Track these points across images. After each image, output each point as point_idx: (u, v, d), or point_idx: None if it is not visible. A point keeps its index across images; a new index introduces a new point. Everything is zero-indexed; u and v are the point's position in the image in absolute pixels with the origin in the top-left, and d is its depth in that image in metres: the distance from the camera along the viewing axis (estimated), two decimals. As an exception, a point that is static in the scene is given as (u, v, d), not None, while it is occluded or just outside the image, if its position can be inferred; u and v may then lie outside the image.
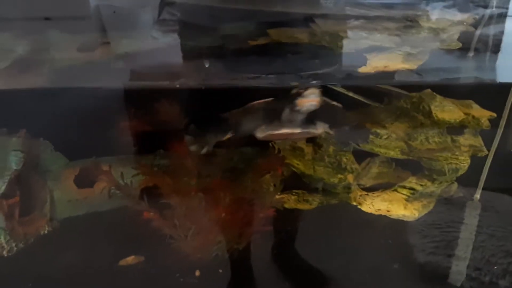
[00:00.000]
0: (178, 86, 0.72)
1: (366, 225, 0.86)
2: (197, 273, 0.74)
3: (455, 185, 0.88)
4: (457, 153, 0.81)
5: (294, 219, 0.86)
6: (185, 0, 1.03)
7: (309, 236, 0.86)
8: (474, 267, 0.85)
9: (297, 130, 0.73)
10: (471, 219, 0.81)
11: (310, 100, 0.70)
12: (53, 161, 0.82)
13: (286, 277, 0.80)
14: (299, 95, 0.70)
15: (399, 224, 0.85)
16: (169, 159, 0.75)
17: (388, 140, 0.83)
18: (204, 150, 0.77)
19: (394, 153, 0.82)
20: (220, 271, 0.75)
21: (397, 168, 0.89)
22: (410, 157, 0.82)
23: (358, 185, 0.87)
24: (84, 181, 0.81)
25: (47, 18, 0.92)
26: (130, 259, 0.75)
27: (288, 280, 0.80)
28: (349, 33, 0.90)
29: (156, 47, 0.88)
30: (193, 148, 0.77)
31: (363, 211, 0.84)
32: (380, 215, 0.84)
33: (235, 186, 0.75)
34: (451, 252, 0.86)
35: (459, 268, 0.78)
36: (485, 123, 0.83)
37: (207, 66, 0.72)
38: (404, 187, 0.86)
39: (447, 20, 0.91)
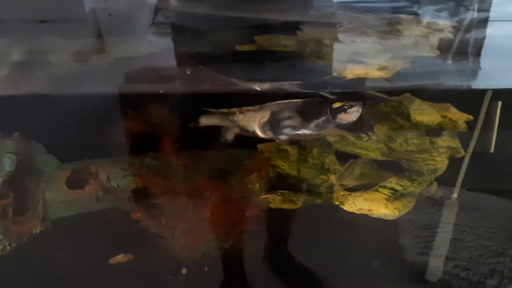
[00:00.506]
0: (162, 91, 0.75)
1: (354, 225, 0.88)
2: (184, 271, 0.77)
3: (435, 185, 0.91)
4: (434, 154, 0.84)
5: (287, 218, 0.89)
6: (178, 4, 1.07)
7: (300, 236, 0.89)
8: (463, 267, 0.88)
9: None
10: (449, 217, 0.84)
11: (352, 116, 0.75)
12: (46, 163, 0.85)
13: (274, 274, 0.83)
14: (343, 110, 0.74)
15: (389, 225, 0.89)
16: (158, 161, 0.78)
17: (368, 142, 0.86)
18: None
19: (374, 155, 0.86)
20: (206, 269, 0.77)
21: (379, 169, 0.92)
22: (390, 159, 0.86)
23: (341, 185, 0.91)
24: (75, 182, 0.84)
25: (42, 21, 0.94)
26: (120, 258, 0.78)
27: (276, 277, 0.83)
28: (333, 40, 0.93)
29: (150, 51, 0.91)
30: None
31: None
32: (371, 217, 0.87)
33: (221, 186, 0.78)
34: (438, 252, 0.89)
35: (436, 264, 0.81)
36: (462, 125, 0.86)
37: (188, 73, 0.75)
38: (385, 187, 0.89)
39: (427, 27, 0.94)
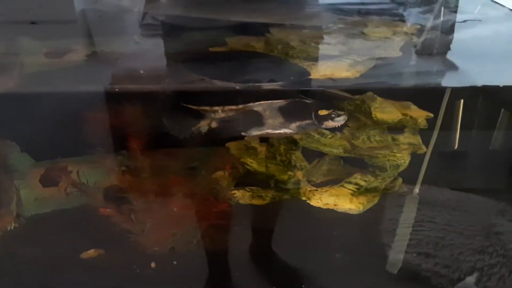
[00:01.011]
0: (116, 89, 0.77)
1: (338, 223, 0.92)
2: (153, 265, 0.79)
3: (400, 181, 0.95)
4: (395, 151, 0.88)
5: (255, 214, 0.92)
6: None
7: (269, 231, 0.92)
8: (443, 264, 0.91)
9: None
10: (409, 211, 0.88)
11: (338, 124, 0.80)
12: (20, 162, 0.88)
13: (243, 267, 0.86)
14: (330, 118, 0.79)
15: (371, 223, 0.91)
16: (128, 159, 0.81)
17: (332, 139, 0.89)
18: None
19: (337, 151, 0.89)
20: (175, 263, 0.80)
21: (345, 165, 0.95)
22: (353, 155, 0.89)
23: (309, 181, 0.94)
24: (49, 180, 0.86)
25: (33, 23, 0.96)
26: (91, 252, 0.81)
27: (245, 270, 0.86)
28: (301, 42, 0.95)
29: (133, 51, 0.93)
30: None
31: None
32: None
33: (188, 183, 0.81)
34: (421, 250, 0.92)
35: (396, 257, 0.84)
36: (423, 122, 0.90)
37: (141, 72, 0.77)
38: (350, 182, 0.92)
39: (391, 30, 0.98)
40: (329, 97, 0.87)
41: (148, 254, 0.80)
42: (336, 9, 1.12)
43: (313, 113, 0.80)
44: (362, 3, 1.17)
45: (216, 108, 0.82)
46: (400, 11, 1.11)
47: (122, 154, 0.81)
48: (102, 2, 1.10)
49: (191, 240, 0.80)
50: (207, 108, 0.82)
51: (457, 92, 0.92)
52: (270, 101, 0.82)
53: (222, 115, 0.83)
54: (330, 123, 0.80)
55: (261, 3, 1.09)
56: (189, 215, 0.80)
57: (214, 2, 1.10)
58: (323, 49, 0.91)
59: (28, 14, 0.95)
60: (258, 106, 0.82)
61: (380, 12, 1.12)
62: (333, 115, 0.79)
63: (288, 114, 0.82)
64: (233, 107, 0.82)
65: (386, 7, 1.14)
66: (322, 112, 0.80)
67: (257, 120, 0.82)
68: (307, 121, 0.81)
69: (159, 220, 0.79)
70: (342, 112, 0.80)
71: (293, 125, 0.83)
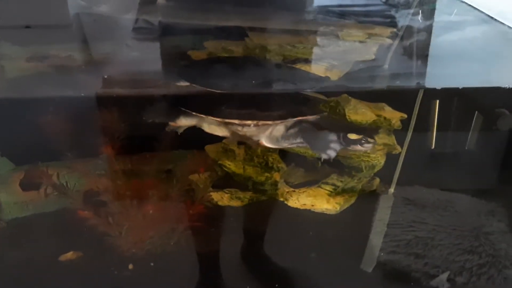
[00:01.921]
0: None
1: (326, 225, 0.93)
2: (131, 266, 0.81)
3: (377, 180, 0.96)
4: (369, 151, 0.89)
5: (232, 215, 0.93)
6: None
7: (246, 232, 0.93)
8: (432, 264, 0.92)
9: None
10: (383, 210, 0.89)
11: (365, 149, 0.81)
12: (0, 166, 0.89)
13: (220, 268, 0.87)
14: (359, 143, 0.80)
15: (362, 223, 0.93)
16: (106, 163, 0.82)
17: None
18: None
19: (312, 153, 0.90)
20: (152, 264, 0.82)
21: (323, 166, 0.97)
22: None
23: (288, 182, 0.95)
24: (28, 184, 0.88)
25: (27, 27, 0.96)
26: (69, 255, 0.82)
27: (223, 272, 0.87)
28: (278, 46, 0.97)
29: (124, 56, 0.94)
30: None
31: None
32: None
33: (165, 185, 0.82)
34: (411, 251, 0.94)
35: (371, 256, 0.85)
36: (397, 123, 0.91)
37: (105, 77, 0.78)
38: (327, 183, 0.94)
39: (366, 33, 0.99)
40: (304, 99, 0.89)
41: (125, 256, 0.81)
42: (328, 12, 1.14)
43: (341, 135, 0.81)
44: (355, 5, 1.19)
45: (249, 122, 0.83)
46: (392, 13, 1.13)
47: (100, 157, 0.83)
48: (97, 6, 1.11)
49: (168, 242, 0.82)
50: (236, 121, 0.83)
51: (432, 93, 0.94)
52: (299, 118, 0.83)
53: (254, 129, 0.84)
54: (357, 148, 0.81)
55: (254, 8, 1.11)
56: (165, 217, 0.81)
57: (204, 7, 1.12)
58: (299, 52, 0.92)
59: (22, 18, 0.96)
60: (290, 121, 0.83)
61: (372, 14, 1.13)
62: (363, 141, 0.80)
63: (312, 135, 0.83)
64: (269, 122, 0.83)
65: (379, 9, 1.16)
66: (352, 136, 0.81)
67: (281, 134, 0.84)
68: (333, 139, 0.82)
69: (136, 222, 0.80)
70: (372, 140, 0.81)
71: (317, 145, 0.84)
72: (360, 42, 0.97)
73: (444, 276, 0.84)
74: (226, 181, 0.92)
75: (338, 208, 0.92)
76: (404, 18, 1.10)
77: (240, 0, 1.08)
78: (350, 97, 0.91)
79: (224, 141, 0.93)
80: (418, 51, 0.97)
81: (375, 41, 0.97)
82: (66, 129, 0.82)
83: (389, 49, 0.95)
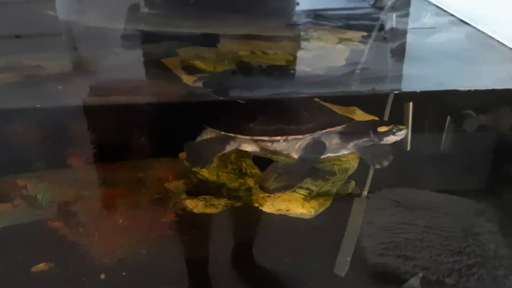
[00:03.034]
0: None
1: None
2: (103, 276, 0.80)
3: (353, 184, 0.96)
4: (339, 155, 0.89)
5: (207, 222, 0.93)
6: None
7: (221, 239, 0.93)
8: (422, 266, 0.92)
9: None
10: (357, 214, 0.89)
11: (399, 138, 0.83)
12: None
13: (193, 276, 0.87)
14: (391, 133, 0.82)
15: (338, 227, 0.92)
16: (75, 172, 0.82)
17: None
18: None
19: (284, 158, 0.90)
20: (124, 274, 0.81)
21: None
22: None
23: (262, 188, 0.95)
24: (0, 196, 0.87)
25: (17, 36, 0.97)
26: (41, 266, 0.81)
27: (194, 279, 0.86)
28: (250, 52, 0.97)
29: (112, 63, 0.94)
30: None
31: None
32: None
33: (135, 194, 0.82)
34: (400, 253, 0.93)
35: (344, 260, 0.85)
36: (369, 126, 0.91)
37: (60, 88, 0.78)
38: (302, 187, 0.94)
39: (336, 37, 1.00)
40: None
41: (97, 265, 0.80)
42: (316, 16, 1.14)
43: (370, 131, 0.84)
44: (342, 8, 1.20)
45: (278, 138, 0.85)
46: (380, 15, 1.13)
47: (70, 167, 0.82)
48: (87, 15, 1.12)
49: (140, 251, 0.81)
50: (266, 138, 0.85)
51: (405, 96, 0.94)
52: (329, 129, 0.85)
53: (283, 144, 0.86)
54: (391, 138, 0.83)
55: (239, 14, 1.11)
56: (136, 226, 0.81)
57: (186, 14, 1.12)
58: (270, 59, 0.92)
59: (13, 27, 0.96)
60: (316, 134, 0.85)
61: (360, 17, 1.14)
62: (394, 130, 0.82)
63: (343, 135, 0.85)
64: (299, 136, 0.85)
65: (367, 11, 1.16)
66: (382, 129, 0.83)
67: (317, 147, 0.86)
68: (365, 139, 0.84)
69: (107, 232, 0.80)
70: (403, 127, 0.83)
71: (350, 145, 0.86)
72: (332, 47, 0.98)
73: (417, 280, 0.83)
74: (201, 188, 0.92)
75: (313, 212, 0.92)
76: (392, 21, 1.11)
77: (223, 6, 1.08)
78: (321, 102, 0.91)
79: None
80: (390, 54, 0.97)
81: (347, 46, 0.98)
82: (35, 140, 0.82)
83: (361, 54, 0.96)
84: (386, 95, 0.91)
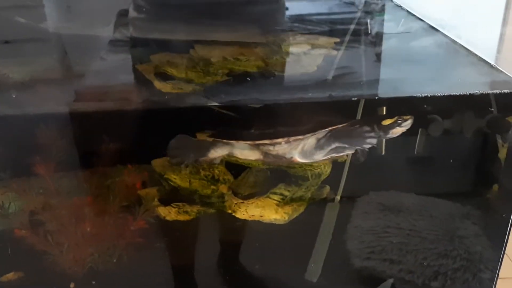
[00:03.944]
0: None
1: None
2: (72, 285, 0.80)
3: (327, 188, 0.96)
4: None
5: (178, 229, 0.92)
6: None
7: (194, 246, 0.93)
8: (407, 270, 0.92)
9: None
10: (330, 218, 0.89)
11: (405, 129, 0.80)
12: None
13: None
14: (397, 125, 0.80)
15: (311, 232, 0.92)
16: (41, 181, 0.81)
17: (250, 151, 0.90)
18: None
19: (256, 164, 0.90)
20: (94, 282, 0.81)
21: (271, 176, 0.97)
22: (271, 167, 0.91)
23: (236, 194, 0.95)
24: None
25: (6, 42, 0.97)
26: (10, 276, 0.81)
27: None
28: (222, 58, 0.97)
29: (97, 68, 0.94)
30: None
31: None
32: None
33: (104, 202, 0.82)
34: (386, 257, 0.93)
35: (315, 265, 0.85)
36: (340, 131, 0.91)
37: (13, 96, 0.78)
38: (275, 193, 0.93)
39: (308, 43, 1.00)
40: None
41: (67, 274, 0.80)
42: (303, 20, 1.15)
43: (375, 126, 0.82)
44: (330, 13, 1.20)
45: (279, 140, 0.83)
46: (367, 19, 1.14)
47: (37, 176, 0.82)
48: (77, 20, 1.12)
49: (110, 259, 0.81)
50: (267, 141, 0.84)
51: (377, 101, 0.94)
52: (332, 128, 0.83)
53: (285, 146, 0.84)
54: (397, 130, 0.81)
55: (225, 20, 1.12)
56: (106, 234, 0.81)
57: (172, 20, 1.12)
58: (242, 65, 0.92)
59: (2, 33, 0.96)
60: (320, 133, 0.83)
61: (348, 22, 1.14)
62: (399, 121, 0.80)
63: (346, 135, 0.83)
64: (300, 137, 0.83)
65: (354, 16, 1.17)
66: (386, 122, 0.81)
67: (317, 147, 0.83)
68: (369, 135, 0.82)
69: (75, 240, 0.80)
70: (408, 117, 0.80)
71: (354, 143, 0.84)
72: (305, 53, 0.98)
73: (388, 283, 0.84)
74: (173, 195, 0.92)
75: (286, 218, 0.91)
76: (379, 25, 1.11)
77: (211, 12, 1.09)
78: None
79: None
80: (363, 60, 0.98)
81: (320, 52, 0.98)
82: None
83: (333, 60, 0.96)
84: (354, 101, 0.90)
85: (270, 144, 0.84)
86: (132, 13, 1.11)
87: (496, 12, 0.90)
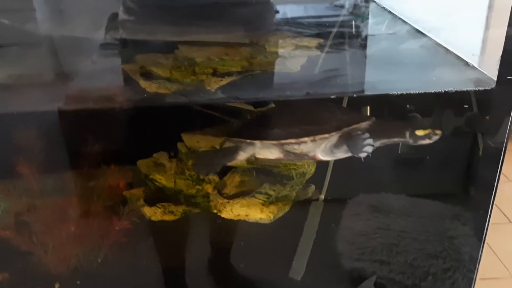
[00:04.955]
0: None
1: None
2: (57, 285, 0.80)
3: (312, 188, 0.97)
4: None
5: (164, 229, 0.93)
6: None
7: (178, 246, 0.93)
8: (398, 271, 0.92)
9: None
10: (313, 217, 0.89)
11: (431, 141, 0.82)
12: None
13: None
14: (428, 137, 0.81)
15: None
16: (23, 181, 0.81)
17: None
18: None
19: (241, 164, 0.91)
20: (78, 282, 0.81)
21: (258, 175, 0.97)
22: (256, 166, 0.91)
23: (222, 194, 0.95)
24: None
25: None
26: (-4, 277, 0.82)
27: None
28: (207, 58, 0.98)
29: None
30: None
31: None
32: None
33: (87, 202, 0.82)
34: (376, 258, 0.94)
35: (299, 264, 0.86)
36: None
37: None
38: (260, 192, 0.94)
39: (292, 44, 1.01)
40: (231, 110, 0.90)
41: (52, 275, 0.81)
42: (294, 24, 1.15)
43: (407, 133, 0.83)
44: (320, 16, 1.21)
45: (306, 139, 0.83)
46: (358, 22, 1.14)
47: (21, 177, 0.82)
48: (69, 24, 1.12)
49: (95, 259, 0.81)
50: (293, 140, 0.84)
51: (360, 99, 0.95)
52: (353, 126, 0.84)
53: (310, 145, 0.84)
54: (425, 142, 0.82)
55: (213, 22, 1.12)
56: (89, 234, 0.81)
57: (162, 21, 1.13)
58: (226, 65, 0.93)
59: None
60: (342, 132, 0.84)
61: (339, 25, 1.14)
62: (431, 134, 0.82)
63: (375, 133, 0.83)
64: (326, 135, 0.84)
65: (345, 19, 1.17)
66: (420, 132, 0.82)
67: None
68: (398, 139, 0.84)
69: (60, 240, 0.80)
70: (438, 131, 0.82)
71: (377, 143, 0.84)
72: (289, 53, 0.98)
73: (370, 282, 0.84)
74: (159, 195, 0.93)
75: (272, 217, 0.92)
76: (369, 28, 1.12)
77: (200, 14, 1.09)
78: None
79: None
80: (347, 61, 0.98)
81: (304, 53, 0.99)
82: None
83: (317, 61, 0.96)
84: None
85: (296, 143, 0.85)
86: (122, 16, 1.11)
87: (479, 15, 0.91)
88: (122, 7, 1.10)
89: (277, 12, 1.19)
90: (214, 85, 0.84)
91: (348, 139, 0.83)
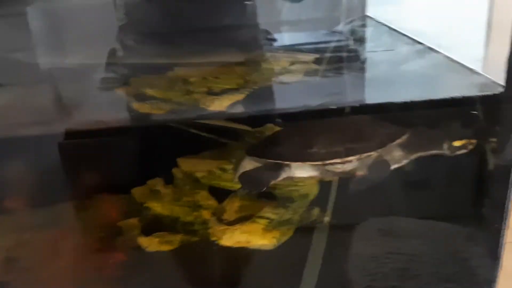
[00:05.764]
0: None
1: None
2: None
3: (316, 210, 0.92)
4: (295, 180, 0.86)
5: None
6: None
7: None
8: None
9: None
10: (319, 242, 0.84)
11: (468, 150, 0.81)
12: None
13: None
14: (465, 148, 0.80)
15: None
16: (17, 217, 0.78)
17: (232, 173, 0.87)
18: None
19: (238, 186, 0.86)
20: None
21: (258, 199, 0.93)
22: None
23: (222, 220, 0.91)
24: None
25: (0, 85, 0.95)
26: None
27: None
28: (199, 78, 0.95)
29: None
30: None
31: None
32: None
33: (81, 235, 0.78)
34: (386, 284, 0.89)
35: (308, 288, 0.80)
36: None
37: None
38: (262, 217, 0.89)
39: (289, 60, 0.97)
40: (226, 130, 0.86)
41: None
42: (293, 50, 1.13)
43: (445, 144, 0.81)
44: (319, 42, 1.18)
45: (351, 158, 0.81)
46: (356, 46, 1.12)
47: (10, 211, 0.79)
48: (70, 59, 1.11)
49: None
50: (338, 160, 0.81)
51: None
52: (398, 140, 0.82)
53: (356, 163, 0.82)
54: (461, 152, 0.81)
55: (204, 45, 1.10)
56: (85, 268, 0.77)
57: (160, 54, 1.11)
58: (220, 83, 0.90)
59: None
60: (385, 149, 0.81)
61: (337, 50, 1.12)
62: (468, 144, 0.80)
63: (408, 146, 0.82)
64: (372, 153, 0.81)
65: (343, 44, 1.15)
66: (457, 143, 0.80)
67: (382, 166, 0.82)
68: (435, 151, 0.82)
69: (53, 275, 0.76)
70: (474, 141, 0.80)
71: (413, 156, 0.83)
72: (285, 70, 0.95)
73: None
74: (155, 224, 0.88)
75: (275, 242, 0.87)
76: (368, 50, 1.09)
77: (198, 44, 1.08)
78: (275, 126, 0.88)
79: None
80: (344, 76, 0.95)
81: (300, 69, 0.96)
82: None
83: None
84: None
85: (341, 163, 0.82)
86: (119, 52, 1.11)
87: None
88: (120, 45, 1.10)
89: (275, 40, 1.18)
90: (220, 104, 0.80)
91: (371, 164, 0.80)
